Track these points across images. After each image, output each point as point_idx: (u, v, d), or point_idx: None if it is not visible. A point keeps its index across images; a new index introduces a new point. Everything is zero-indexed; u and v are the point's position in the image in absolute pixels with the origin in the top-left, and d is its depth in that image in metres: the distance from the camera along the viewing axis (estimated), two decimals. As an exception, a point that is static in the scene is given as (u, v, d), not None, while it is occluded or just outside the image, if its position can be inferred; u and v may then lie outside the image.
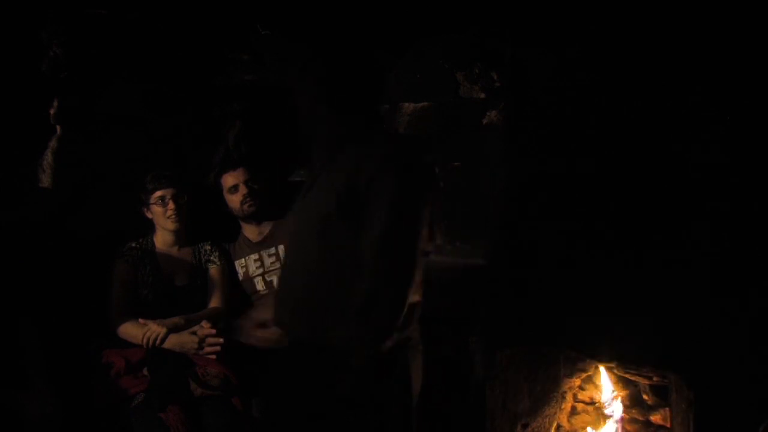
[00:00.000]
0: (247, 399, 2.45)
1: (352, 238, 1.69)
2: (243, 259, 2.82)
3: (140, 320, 2.48)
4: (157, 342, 2.43)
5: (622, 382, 2.97)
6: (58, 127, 2.58)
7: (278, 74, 2.83)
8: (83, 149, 2.61)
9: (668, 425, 2.85)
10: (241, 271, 2.82)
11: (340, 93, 1.82)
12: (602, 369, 2.96)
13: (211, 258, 2.73)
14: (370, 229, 1.66)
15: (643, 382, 2.89)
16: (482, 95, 2.71)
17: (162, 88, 2.78)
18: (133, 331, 2.48)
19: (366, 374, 1.70)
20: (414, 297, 1.74)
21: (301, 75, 1.88)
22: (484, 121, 2.71)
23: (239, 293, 2.79)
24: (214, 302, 2.65)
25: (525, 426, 2.87)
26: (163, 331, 2.43)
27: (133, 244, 2.65)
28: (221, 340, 2.46)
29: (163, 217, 2.64)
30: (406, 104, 2.78)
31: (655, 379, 2.83)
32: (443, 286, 2.51)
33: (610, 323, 2.48)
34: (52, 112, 2.56)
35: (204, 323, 2.48)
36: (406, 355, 1.79)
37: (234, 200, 2.79)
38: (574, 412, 3.06)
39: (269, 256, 2.80)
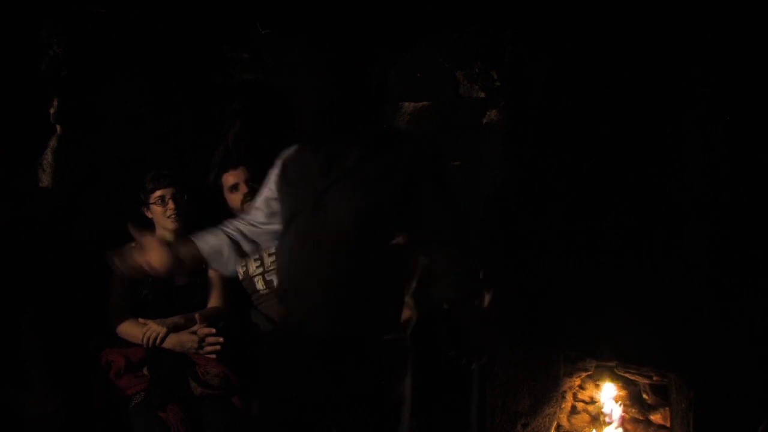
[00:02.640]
0: (247, 398, 2.45)
1: (398, 227, 1.84)
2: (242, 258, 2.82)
3: (140, 320, 2.48)
4: (157, 341, 2.43)
5: (622, 381, 2.97)
6: (58, 127, 2.58)
7: (279, 75, 2.82)
8: (83, 149, 2.61)
9: (668, 425, 2.85)
10: (241, 271, 2.81)
11: (352, 97, 1.85)
12: (602, 368, 2.96)
13: (211, 257, 2.73)
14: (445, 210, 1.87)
15: (643, 381, 2.89)
16: (482, 94, 2.71)
17: (162, 87, 2.78)
18: (133, 330, 2.48)
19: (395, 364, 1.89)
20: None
21: (314, 80, 1.89)
22: (484, 120, 2.71)
23: (239, 293, 2.79)
24: (214, 302, 2.65)
25: (525, 425, 2.87)
26: (163, 330, 2.44)
27: (133, 244, 2.65)
28: (221, 339, 2.46)
29: (163, 217, 2.64)
30: (406, 103, 2.77)
31: (655, 378, 2.83)
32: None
33: (610, 323, 2.48)
34: (52, 111, 2.56)
35: (203, 322, 2.48)
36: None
37: (235, 199, 2.79)
38: (574, 411, 3.07)
39: (269, 255, 2.80)
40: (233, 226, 2.08)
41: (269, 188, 2.04)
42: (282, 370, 1.93)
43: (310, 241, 1.86)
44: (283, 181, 1.98)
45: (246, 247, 2.07)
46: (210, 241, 2.06)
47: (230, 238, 2.05)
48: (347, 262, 1.83)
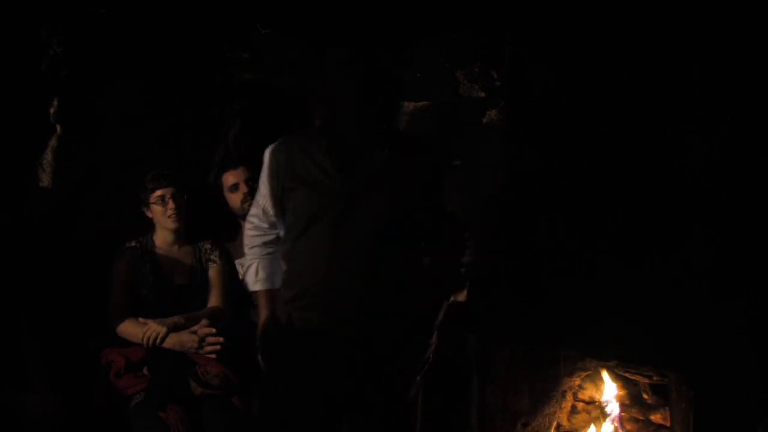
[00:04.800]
0: (247, 398, 2.45)
1: (406, 232, 1.86)
2: (243, 258, 2.82)
3: (140, 319, 2.49)
4: (157, 341, 2.43)
5: (622, 381, 2.97)
6: (58, 127, 2.58)
7: (279, 75, 2.83)
8: (83, 149, 2.61)
9: (668, 424, 2.85)
10: (241, 271, 2.82)
11: (372, 96, 1.87)
12: (602, 368, 2.96)
13: (212, 257, 2.73)
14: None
15: (643, 381, 2.89)
16: (482, 94, 2.71)
17: (162, 87, 2.78)
18: (133, 330, 2.48)
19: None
20: None
21: (338, 82, 1.90)
22: (484, 120, 2.71)
23: (239, 292, 2.79)
24: (214, 301, 2.65)
25: (525, 425, 2.87)
26: (163, 330, 2.44)
27: (133, 243, 2.65)
28: (221, 339, 2.46)
29: (163, 216, 2.64)
30: (406, 103, 2.77)
31: (655, 378, 2.83)
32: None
33: (610, 322, 2.48)
34: (52, 111, 2.56)
35: (204, 322, 2.49)
36: None
37: (234, 199, 2.79)
38: (574, 411, 3.06)
39: (269, 255, 2.81)
40: (250, 242, 2.12)
41: (262, 193, 2.05)
42: (308, 369, 1.95)
43: (340, 242, 1.86)
44: (288, 176, 1.96)
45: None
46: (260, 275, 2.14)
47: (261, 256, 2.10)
48: (380, 264, 1.84)
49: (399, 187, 1.85)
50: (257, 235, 2.11)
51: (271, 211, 2.04)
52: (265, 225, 2.09)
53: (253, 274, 2.15)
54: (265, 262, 2.13)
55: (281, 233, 2.06)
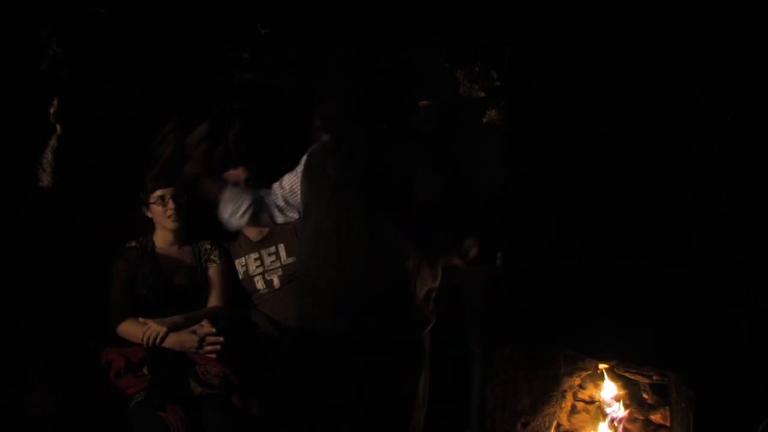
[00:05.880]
0: (247, 398, 2.45)
1: (403, 230, 1.85)
2: (243, 258, 2.83)
3: (140, 319, 2.49)
4: (157, 341, 2.43)
5: (622, 381, 2.97)
6: (58, 127, 2.58)
7: (280, 75, 2.82)
8: (83, 149, 2.61)
9: (668, 424, 2.85)
10: (241, 270, 2.82)
11: (375, 100, 1.88)
12: (602, 368, 2.96)
13: (211, 257, 2.73)
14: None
15: (643, 381, 2.90)
16: (482, 94, 2.71)
17: (162, 87, 2.78)
18: (133, 330, 2.48)
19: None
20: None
21: (337, 84, 1.91)
22: (484, 120, 2.71)
23: (239, 292, 2.80)
24: (214, 301, 2.66)
25: (525, 425, 2.87)
26: (163, 330, 2.44)
27: (133, 244, 2.66)
28: (221, 338, 2.47)
29: (163, 217, 2.64)
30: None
31: (655, 378, 2.83)
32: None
33: (610, 322, 2.48)
34: (52, 111, 2.56)
35: (204, 322, 2.49)
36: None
37: (235, 199, 2.79)
38: (574, 410, 3.07)
39: (269, 254, 2.81)
40: (269, 192, 2.16)
41: (291, 180, 2.09)
42: (300, 368, 1.95)
43: (323, 239, 1.88)
44: (305, 176, 2.03)
45: (262, 213, 2.14)
46: (234, 190, 2.18)
47: (254, 197, 2.15)
48: (359, 261, 1.84)
49: (377, 185, 1.86)
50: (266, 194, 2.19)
51: (286, 188, 2.12)
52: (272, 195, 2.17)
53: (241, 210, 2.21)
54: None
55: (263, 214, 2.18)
